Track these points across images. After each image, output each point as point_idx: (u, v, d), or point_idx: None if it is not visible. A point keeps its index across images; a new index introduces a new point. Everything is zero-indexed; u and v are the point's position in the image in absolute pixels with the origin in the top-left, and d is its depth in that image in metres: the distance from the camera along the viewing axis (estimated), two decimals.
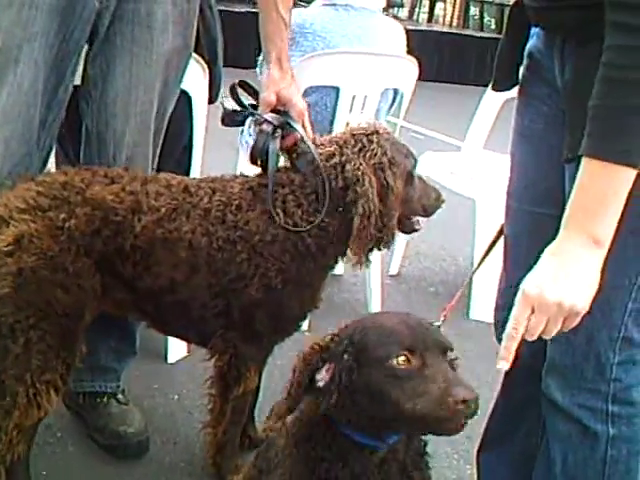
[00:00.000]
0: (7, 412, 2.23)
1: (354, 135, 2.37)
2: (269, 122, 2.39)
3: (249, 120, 3.88)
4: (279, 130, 2.39)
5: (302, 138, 2.37)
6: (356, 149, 2.33)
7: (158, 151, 2.69)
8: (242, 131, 3.99)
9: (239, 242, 2.26)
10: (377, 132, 2.37)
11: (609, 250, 1.71)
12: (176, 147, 3.38)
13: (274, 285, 2.28)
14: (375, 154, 2.32)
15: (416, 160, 2.49)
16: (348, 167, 2.29)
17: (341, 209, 2.31)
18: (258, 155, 2.38)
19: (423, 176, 2.55)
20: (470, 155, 4.58)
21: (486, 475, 2.36)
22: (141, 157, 2.55)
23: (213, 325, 2.35)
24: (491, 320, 3.94)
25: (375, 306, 3.94)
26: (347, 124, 2.48)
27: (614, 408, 1.91)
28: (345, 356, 1.64)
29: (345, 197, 2.29)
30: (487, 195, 4.05)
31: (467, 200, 4.46)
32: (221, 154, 4.31)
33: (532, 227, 2.09)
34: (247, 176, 2.41)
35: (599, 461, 1.96)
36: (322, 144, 2.38)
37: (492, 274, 3.97)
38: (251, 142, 3.74)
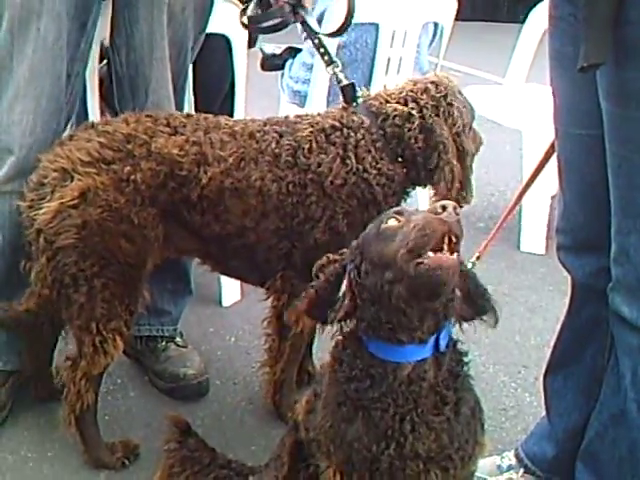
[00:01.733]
0: (74, 362, 2.29)
1: (429, 93, 2.34)
2: None
3: (288, 63, 3.91)
4: None
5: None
6: (439, 113, 2.32)
7: (189, 96, 2.68)
8: (282, 74, 3.97)
9: (310, 185, 2.25)
10: (453, 92, 2.37)
11: None
12: (218, 93, 3.39)
13: (340, 228, 2.29)
14: (455, 122, 2.33)
15: (474, 111, 2.49)
16: (434, 134, 2.29)
17: (413, 160, 2.33)
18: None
19: None
20: (514, 87, 4.52)
21: (553, 398, 2.38)
22: (166, 101, 2.54)
23: (275, 266, 2.37)
24: (542, 252, 4.01)
25: None
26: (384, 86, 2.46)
27: None
28: (353, 257, 1.68)
29: (421, 155, 2.31)
30: (534, 126, 4.00)
31: (512, 135, 4.43)
32: (262, 102, 4.30)
33: (581, 150, 2.09)
34: (313, 116, 2.39)
35: None
36: (391, 95, 2.37)
37: (541, 206, 4.02)
38: (293, 85, 3.78)
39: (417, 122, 2.30)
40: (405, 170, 2.34)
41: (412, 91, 2.36)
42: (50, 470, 2.43)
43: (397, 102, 2.34)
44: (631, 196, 1.90)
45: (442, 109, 2.33)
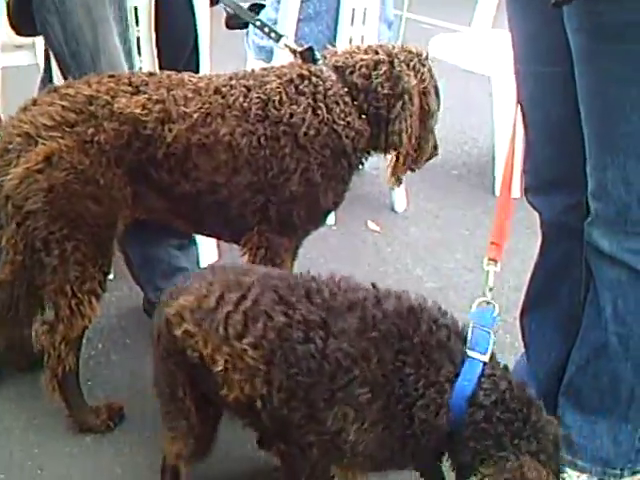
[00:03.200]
0: (51, 326, 2.28)
1: (405, 51, 2.35)
2: None
3: None
4: None
5: None
6: (409, 65, 2.32)
7: (152, 56, 2.66)
8: (247, 32, 3.93)
9: (283, 137, 2.24)
10: (426, 57, 2.38)
11: (633, 95, 1.73)
12: (182, 53, 3.34)
13: (315, 179, 2.28)
14: (424, 79, 2.33)
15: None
16: (401, 81, 2.28)
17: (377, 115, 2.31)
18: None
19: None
20: (481, 33, 4.50)
21: (531, 337, 2.41)
22: (119, 66, 2.52)
23: (250, 221, 2.36)
24: (517, 195, 4.01)
25: (399, 196, 3.94)
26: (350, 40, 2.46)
27: None
28: None
29: (385, 107, 2.29)
30: (502, 70, 3.98)
31: (481, 83, 4.42)
32: (228, 63, 4.26)
33: (544, 88, 2.09)
34: (279, 68, 2.37)
35: None
36: (358, 48, 2.37)
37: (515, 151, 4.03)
38: (258, 41, 3.75)
39: (385, 69, 2.28)
40: (369, 127, 2.32)
41: (384, 46, 2.36)
42: (36, 437, 2.43)
43: (365, 53, 2.33)
44: (607, 131, 1.90)
45: (413, 64, 2.32)
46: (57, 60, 2.54)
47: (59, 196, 2.12)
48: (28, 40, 3.83)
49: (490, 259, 1.92)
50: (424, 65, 2.35)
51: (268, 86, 2.27)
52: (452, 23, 7.41)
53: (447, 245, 3.64)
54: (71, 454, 2.38)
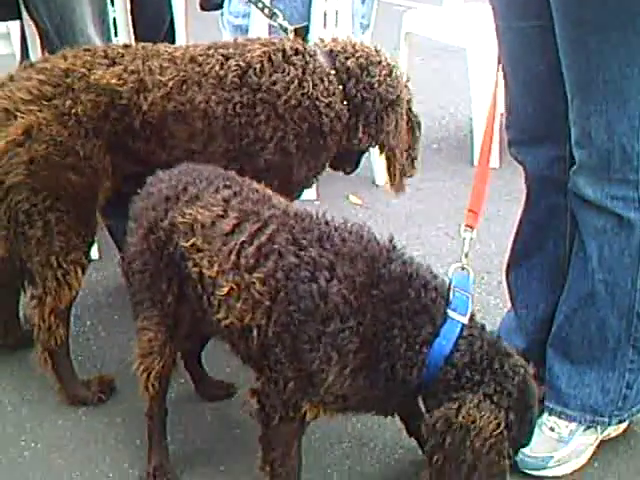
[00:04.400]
0: (40, 299, 2.31)
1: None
2: None
3: (227, 0, 3.87)
4: None
5: None
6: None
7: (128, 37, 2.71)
8: (222, 13, 3.94)
9: (259, 105, 2.26)
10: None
11: (613, 42, 1.76)
12: (157, 34, 3.36)
13: (290, 149, 2.31)
14: (409, 91, 2.46)
15: None
16: (398, 88, 2.38)
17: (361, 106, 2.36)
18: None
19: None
20: (455, 6, 4.53)
21: (518, 291, 2.44)
22: (97, 41, 2.58)
23: None
24: (496, 165, 4.05)
25: (380, 169, 3.95)
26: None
27: None
28: None
29: (373, 103, 2.36)
30: (477, 42, 4.02)
31: (457, 59, 4.45)
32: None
33: (522, 42, 2.13)
34: (267, 38, 2.41)
35: (635, 248, 2.07)
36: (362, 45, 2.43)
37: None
38: (233, 20, 3.75)
39: (385, 71, 2.37)
40: (348, 114, 2.35)
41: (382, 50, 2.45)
42: (29, 412, 2.46)
43: (364, 47, 2.42)
44: (589, 78, 1.94)
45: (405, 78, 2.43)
46: (41, 38, 2.57)
47: (40, 168, 2.15)
48: (4, 29, 3.84)
49: (467, 225, 2.01)
50: (407, 82, 2.46)
51: (249, 54, 2.29)
52: (424, 3, 7.44)
53: (428, 215, 3.67)
54: (64, 427, 2.40)
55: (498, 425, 1.71)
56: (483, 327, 1.82)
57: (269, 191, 2.02)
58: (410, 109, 2.46)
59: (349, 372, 1.73)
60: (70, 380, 2.44)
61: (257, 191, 1.98)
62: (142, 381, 2.09)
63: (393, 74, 2.38)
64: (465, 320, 1.76)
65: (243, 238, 1.84)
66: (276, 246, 1.81)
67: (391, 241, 1.85)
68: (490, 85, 2.22)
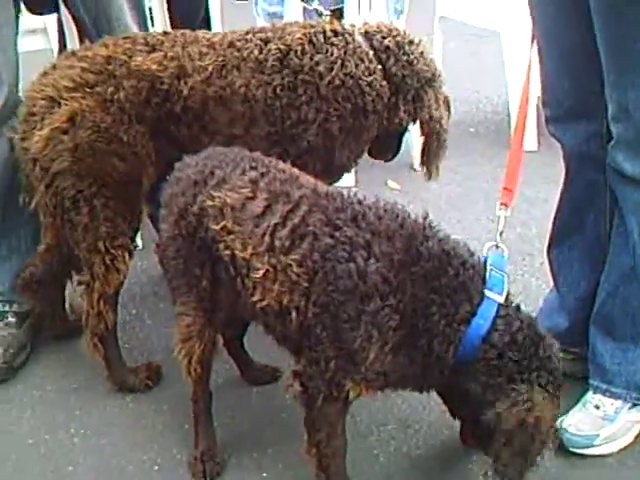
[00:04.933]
0: (88, 285, 2.33)
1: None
2: None
3: None
4: None
5: None
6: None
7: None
8: (256, 2, 3.95)
9: (301, 86, 2.27)
10: None
11: None
12: (193, 23, 3.39)
13: (333, 131, 2.31)
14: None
15: None
16: (433, 65, 2.40)
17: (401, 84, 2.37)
18: None
19: None
20: None
21: (560, 270, 2.42)
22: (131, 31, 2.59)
23: None
24: (534, 148, 4.03)
25: (418, 154, 3.94)
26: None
27: None
28: None
29: (413, 80, 2.37)
30: (511, 25, 3.99)
31: (492, 43, 4.42)
32: None
33: (556, 16, 2.11)
34: (304, 22, 2.42)
35: None
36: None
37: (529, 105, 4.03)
38: (267, 8, 3.77)
39: (421, 49, 2.39)
40: (389, 93, 2.35)
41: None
42: (77, 400, 2.49)
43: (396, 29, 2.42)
44: (625, 50, 1.91)
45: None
46: (79, 30, 2.62)
47: (84, 155, 2.18)
48: (40, 24, 3.88)
49: (502, 204, 2.04)
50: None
51: (289, 37, 2.30)
52: None
53: (467, 198, 3.65)
54: (112, 413, 2.44)
55: (556, 416, 1.77)
56: (518, 307, 1.82)
57: (296, 170, 2.01)
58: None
59: (389, 349, 1.74)
60: (118, 367, 2.47)
61: (284, 171, 1.98)
62: (184, 366, 2.11)
63: (426, 52, 2.39)
64: (501, 299, 1.77)
65: (275, 220, 1.84)
66: (310, 227, 1.80)
67: (425, 218, 1.85)
68: (525, 68, 2.21)
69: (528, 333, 1.76)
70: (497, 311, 1.75)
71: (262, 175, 1.94)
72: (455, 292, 1.74)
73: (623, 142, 2.02)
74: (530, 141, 4.09)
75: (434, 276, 1.74)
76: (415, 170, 3.88)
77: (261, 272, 1.83)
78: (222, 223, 1.89)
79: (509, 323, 1.75)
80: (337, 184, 3.37)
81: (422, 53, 2.37)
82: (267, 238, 1.83)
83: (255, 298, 1.86)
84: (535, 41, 2.18)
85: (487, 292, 1.76)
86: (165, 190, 2.07)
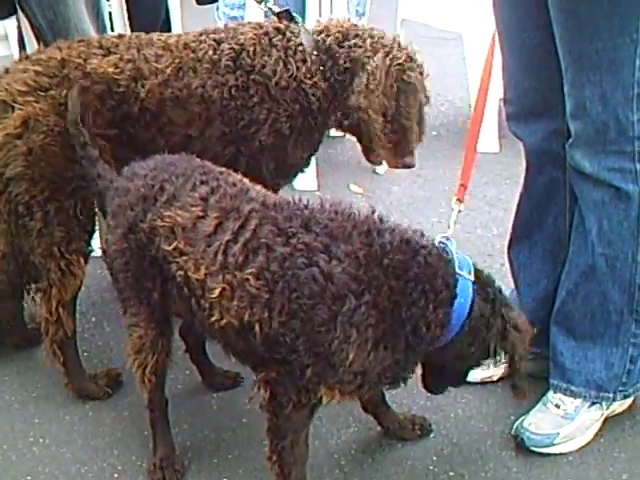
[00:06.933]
0: (45, 292, 2.31)
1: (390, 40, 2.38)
2: None
3: None
4: None
5: None
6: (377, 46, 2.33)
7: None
8: (217, 7, 3.95)
9: (253, 86, 2.26)
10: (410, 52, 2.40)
11: (604, 11, 1.76)
12: (153, 26, 3.37)
13: (283, 130, 2.30)
14: (400, 63, 2.33)
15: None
16: (362, 58, 2.30)
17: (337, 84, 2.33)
18: None
19: None
20: None
21: (520, 269, 2.44)
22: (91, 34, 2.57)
23: None
24: (496, 150, 4.05)
25: None
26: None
27: None
28: None
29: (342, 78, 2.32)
30: (473, 27, 4.02)
31: (454, 47, 4.45)
32: None
33: (518, 15, 2.14)
34: (256, 22, 2.40)
35: (633, 220, 2.06)
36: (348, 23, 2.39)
37: (491, 107, 4.05)
38: (229, 12, 3.77)
39: (361, 33, 2.32)
40: (333, 93, 2.33)
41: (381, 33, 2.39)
42: (36, 408, 2.46)
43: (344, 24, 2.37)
44: (581, 48, 1.93)
45: (388, 47, 2.33)
46: (36, 35, 2.58)
47: (38, 159, 2.15)
48: (1, 31, 3.85)
49: (458, 199, 2.07)
50: (401, 51, 2.35)
51: (242, 37, 2.29)
52: None
53: (429, 201, 3.67)
54: (72, 421, 2.41)
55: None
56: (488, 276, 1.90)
57: (247, 181, 1.99)
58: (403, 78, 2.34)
59: (371, 345, 1.74)
60: (77, 374, 2.44)
61: (234, 184, 1.95)
62: (138, 376, 2.09)
63: (368, 40, 2.31)
64: (472, 277, 1.81)
65: (227, 237, 1.82)
66: (263, 240, 1.79)
67: (373, 212, 1.85)
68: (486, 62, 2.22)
69: (501, 298, 1.87)
70: (473, 288, 1.81)
71: (212, 191, 1.91)
72: (433, 277, 1.76)
73: (581, 140, 2.04)
74: (492, 143, 4.13)
75: (407, 266, 1.75)
76: (377, 173, 3.89)
77: (217, 291, 1.80)
78: (174, 244, 1.86)
79: (484, 299, 1.83)
80: (300, 188, 3.42)
81: (361, 40, 2.30)
82: (220, 256, 1.81)
83: (214, 318, 1.84)
84: (497, 39, 2.20)
85: (460, 272, 1.80)
86: (112, 199, 2.03)
